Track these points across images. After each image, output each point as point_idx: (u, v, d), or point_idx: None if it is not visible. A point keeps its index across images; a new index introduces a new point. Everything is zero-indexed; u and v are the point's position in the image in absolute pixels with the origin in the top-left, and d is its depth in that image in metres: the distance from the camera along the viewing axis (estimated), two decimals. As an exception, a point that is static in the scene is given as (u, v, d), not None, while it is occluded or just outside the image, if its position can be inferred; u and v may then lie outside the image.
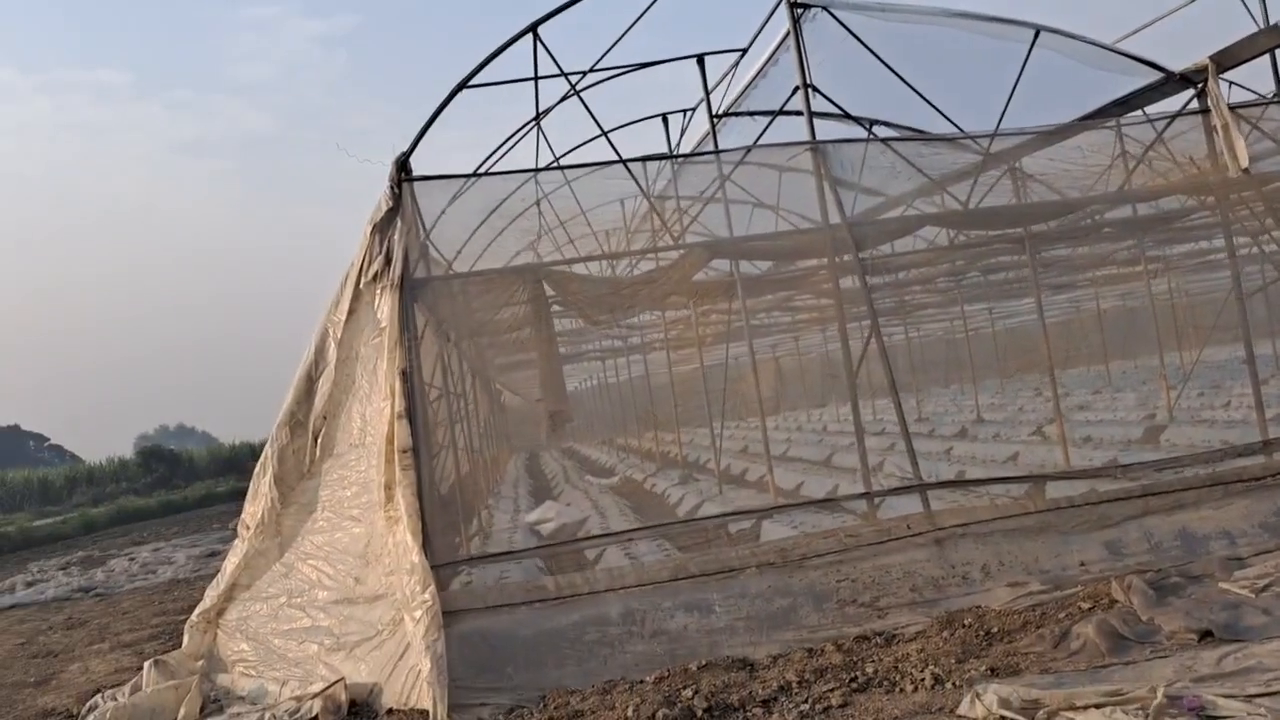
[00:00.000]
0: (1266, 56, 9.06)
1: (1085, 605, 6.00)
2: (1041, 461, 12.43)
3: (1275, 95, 9.65)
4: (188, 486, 39.02)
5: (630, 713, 5.20)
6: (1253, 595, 5.74)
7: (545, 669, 6.09)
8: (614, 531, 8.90)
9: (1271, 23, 8.04)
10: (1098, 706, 4.25)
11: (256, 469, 7.53)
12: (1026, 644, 5.54)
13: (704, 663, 5.92)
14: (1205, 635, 5.24)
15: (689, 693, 5.38)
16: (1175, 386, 15.48)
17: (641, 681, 5.79)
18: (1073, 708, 4.31)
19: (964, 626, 5.93)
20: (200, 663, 7.10)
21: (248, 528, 7.42)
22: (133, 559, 19.01)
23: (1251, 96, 9.74)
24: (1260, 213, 8.55)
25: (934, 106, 8.74)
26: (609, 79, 9.50)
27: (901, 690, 5.12)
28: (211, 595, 7.38)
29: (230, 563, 7.47)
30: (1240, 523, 7.08)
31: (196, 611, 7.38)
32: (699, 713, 5.11)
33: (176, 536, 23.38)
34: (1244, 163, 8.03)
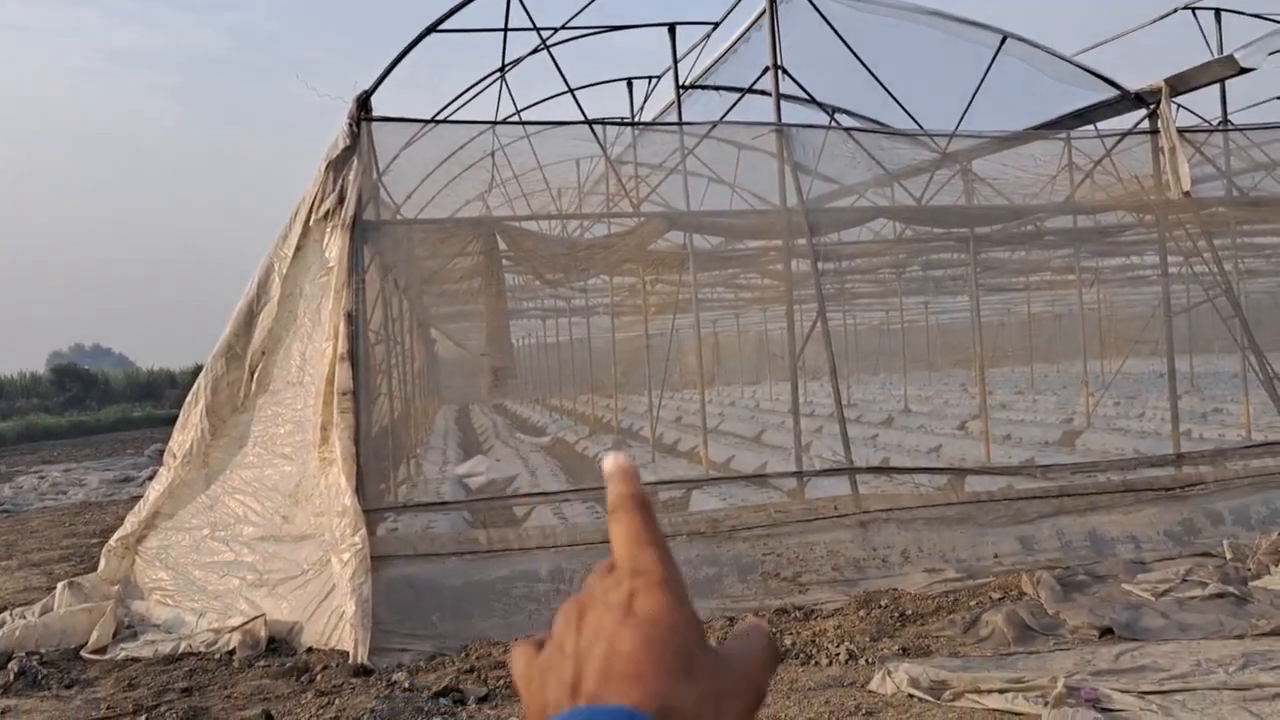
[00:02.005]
0: (1218, 85, 9.35)
1: (996, 595, 6.25)
2: (963, 455, 12.79)
3: (1221, 123, 9.99)
4: (101, 409, 38.00)
5: (553, 668, 5.29)
6: (1153, 598, 6.04)
7: (471, 619, 6.15)
8: (548, 491, 8.96)
9: (1226, 53, 8.31)
10: (1001, 691, 4.46)
11: (188, 398, 7.39)
12: (938, 628, 5.76)
13: (628, 624, 6.02)
14: (1106, 632, 5.51)
15: (611, 652, 5.49)
16: (1095, 394, 16.03)
17: (565, 638, 5.88)
18: (978, 691, 4.52)
19: (880, 607, 6.14)
20: (116, 588, 6.99)
21: (174, 456, 7.30)
22: (42, 477, 18.52)
23: (1198, 121, 10.07)
24: (1195, 235, 8.87)
25: (897, 101, 8.86)
26: (579, 37, 9.43)
27: (817, 663, 5.30)
28: (132, 521, 7.25)
29: (154, 490, 7.34)
30: (1147, 529, 7.42)
31: (115, 536, 7.25)
32: (620, 672, 5.22)
33: (89, 459, 22.80)
34: (1186, 186, 8.31)
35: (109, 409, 37.82)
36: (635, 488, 0.62)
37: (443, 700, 4.91)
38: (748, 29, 9.13)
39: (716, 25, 9.99)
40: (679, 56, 9.62)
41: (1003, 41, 8.44)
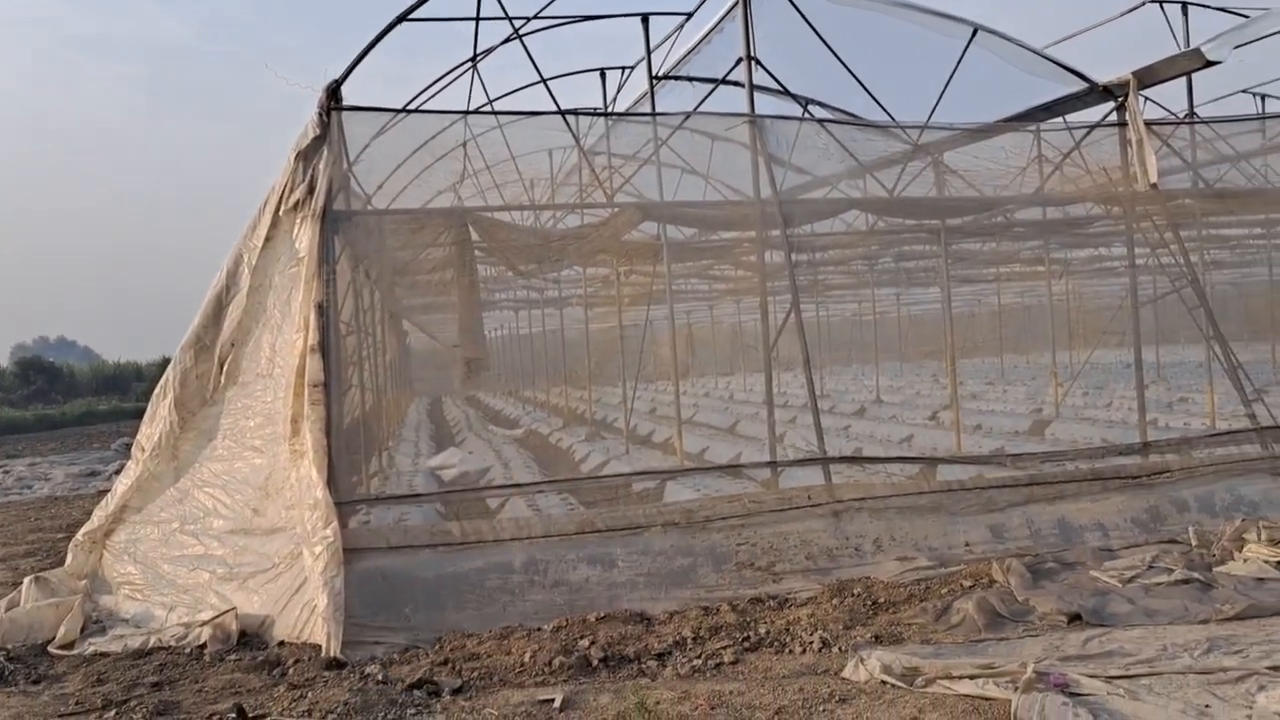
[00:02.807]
0: (1184, 78, 9.47)
1: (967, 583, 6.31)
2: (934, 445, 12.90)
3: (1187, 116, 10.12)
4: (67, 402, 37.49)
5: (527, 659, 5.29)
6: (1120, 585, 6.12)
7: (444, 612, 6.13)
8: (521, 482, 8.95)
9: (1192, 46, 8.40)
10: (972, 677, 4.50)
11: (156, 390, 7.31)
12: (910, 615, 5.81)
13: (603, 614, 6.04)
14: (1074, 618, 5.59)
15: (586, 642, 5.50)
16: (1064, 384, 16.22)
17: (540, 629, 5.88)
18: (949, 677, 4.56)
19: (853, 595, 6.18)
20: (84, 582, 6.90)
21: (143, 449, 7.21)
22: (6, 471, 18.26)
23: (1165, 114, 10.19)
24: (1162, 226, 8.98)
25: (869, 93, 8.90)
26: (552, 27, 9.38)
27: (791, 651, 5.33)
28: (100, 515, 7.17)
29: (121, 484, 7.26)
30: (1114, 516, 7.52)
31: (83, 531, 7.16)
32: (595, 662, 5.23)
33: (54, 453, 22.50)
34: (1153, 178, 8.42)
35: (74, 402, 37.32)
36: None
37: (417, 692, 4.89)
38: (721, 20, 9.13)
39: (690, 16, 9.98)
40: (652, 47, 9.61)
41: (974, 34, 8.49)
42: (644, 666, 5.20)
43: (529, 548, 6.52)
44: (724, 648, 5.38)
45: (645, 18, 9.38)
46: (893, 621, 5.72)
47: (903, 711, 4.25)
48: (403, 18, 7.49)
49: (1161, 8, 9.96)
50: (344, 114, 7.20)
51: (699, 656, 5.28)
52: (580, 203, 9.02)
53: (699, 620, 5.90)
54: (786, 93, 9.13)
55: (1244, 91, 11.99)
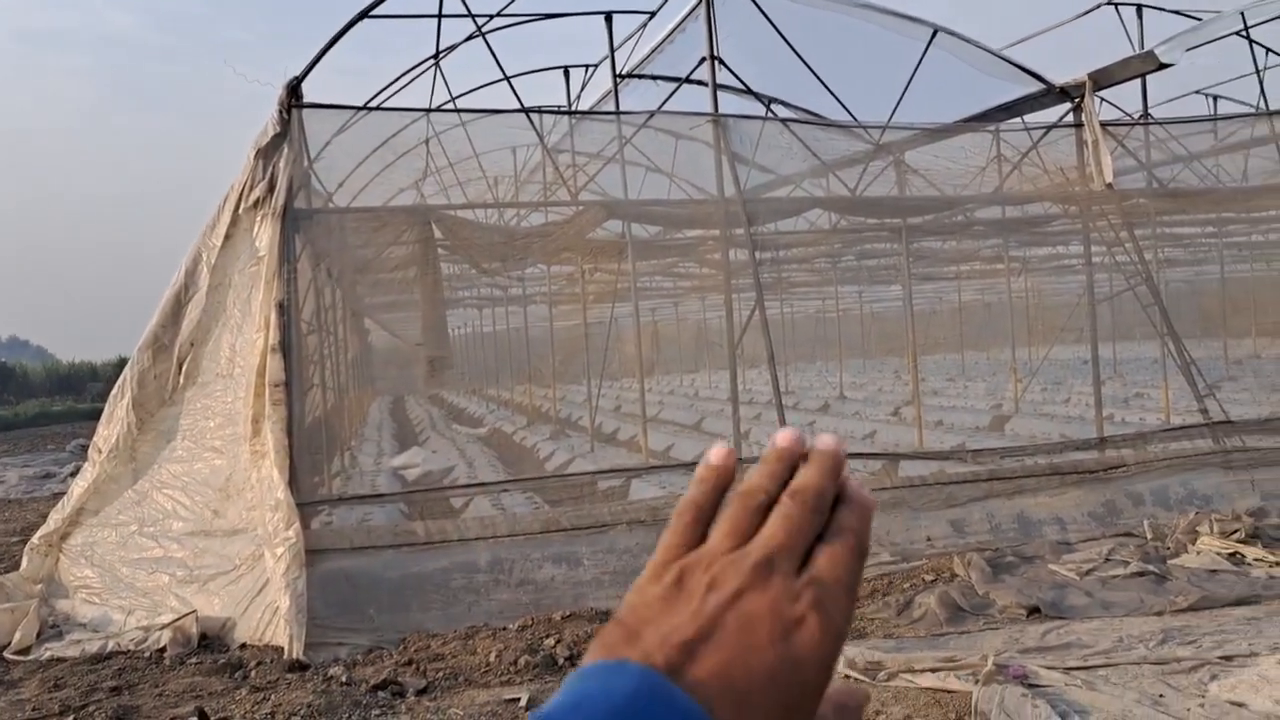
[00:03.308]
0: (1139, 80, 9.64)
1: (929, 578, 6.39)
2: (897, 441, 13.03)
3: (1142, 116, 10.30)
4: (20, 403, 36.70)
5: (492, 658, 5.28)
6: (1077, 578, 6.23)
7: (409, 612, 6.10)
8: (485, 481, 8.91)
9: (1146, 49, 8.56)
10: (934, 670, 4.57)
11: (114, 391, 7.20)
12: (873, 610, 5.88)
13: (568, 613, 6.04)
14: (1033, 611, 5.68)
15: (552, 641, 5.50)
16: (1023, 380, 16.44)
17: (505, 629, 5.87)
18: (911, 670, 4.62)
19: (817, 592, 6.23)
20: (39, 586, 6.79)
21: (100, 451, 7.10)
22: (-41, 476, 17.83)
23: (1120, 115, 10.37)
24: (1117, 225, 9.14)
25: (831, 93, 8.97)
26: (515, 24, 9.36)
27: (755, 648, 5.36)
28: (56, 518, 7.05)
29: (78, 486, 7.14)
30: (1072, 510, 7.65)
31: (38, 534, 7.04)
32: (561, 660, 5.23)
33: (7, 455, 22.02)
34: (1108, 177, 8.57)
35: (27, 403, 36.54)
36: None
37: (381, 693, 4.87)
38: (684, 19, 9.16)
39: (653, 14, 10.00)
40: (616, 45, 9.61)
41: (933, 35, 8.59)
42: (610, 664, 5.21)
43: (494, 547, 6.50)
44: (689, 644, 5.40)
45: (608, 16, 9.39)
46: (856, 616, 5.78)
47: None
48: (364, 14, 7.43)
49: (1117, 10, 10.15)
50: (305, 111, 7.14)
51: (664, 654, 5.29)
52: (545, 201, 9.00)
53: (664, 617, 5.91)
54: (750, 92, 9.18)
55: (1197, 93, 12.26)
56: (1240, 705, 3.99)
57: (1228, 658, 4.49)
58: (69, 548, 6.95)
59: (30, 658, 5.97)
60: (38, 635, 6.27)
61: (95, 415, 7.47)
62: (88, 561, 6.84)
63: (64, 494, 7.41)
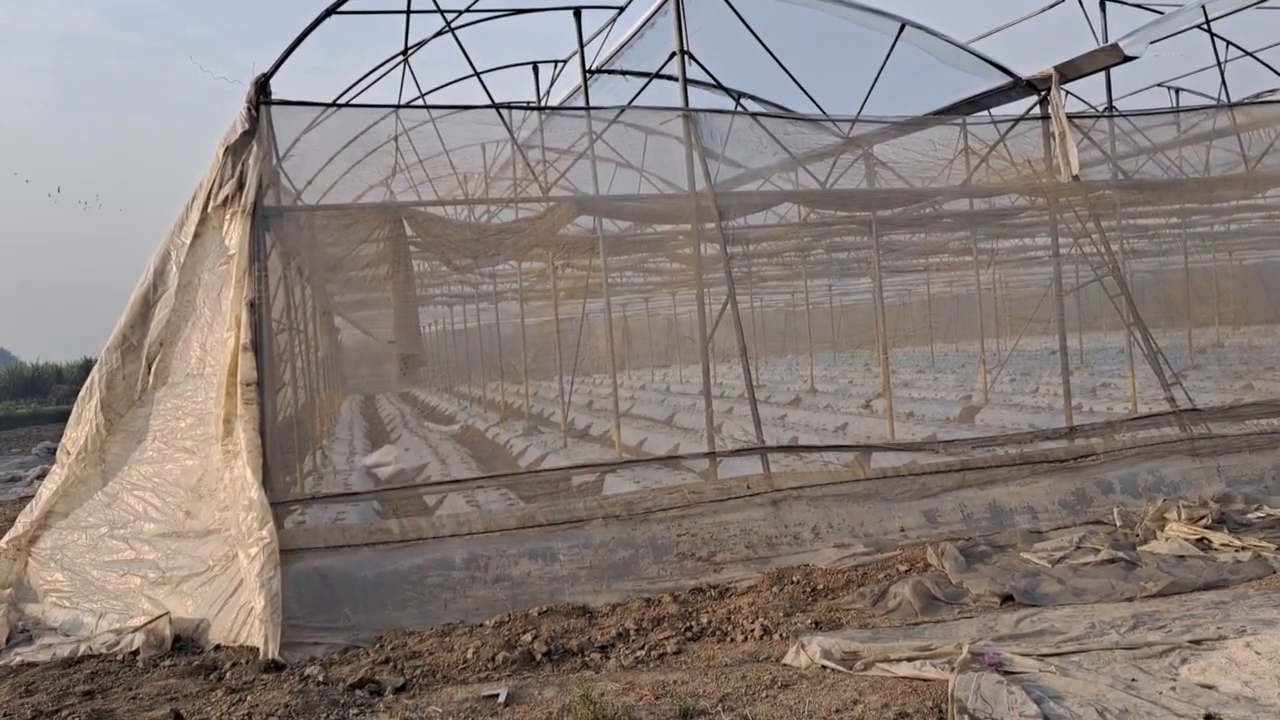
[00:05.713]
0: (1103, 73, 9.76)
1: (903, 568, 6.46)
2: (869, 433, 13.13)
3: (1106, 109, 10.43)
4: (-18, 406, 36.06)
5: (470, 655, 5.27)
6: (1049, 565, 6.32)
7: (385, 610, 6.08)
8: (459, 478, 8.88)
9: (1110, 42, 8.66)
10: (910, 660, 4.61)
11: (81, 393, 7.11)
12: (849, 601, 5.92)
13: (545, 608, 6.04)
14: (1007, 599, 5.75)
15: (529, 637, 5.50)
16: (992, 371, 16.62)
17: (481, 625, 5.87)
18: (888, 660, 4.66)
19: (793, 583, 6.28)
20: (8, 591, 6.69)
21: (68, 453, 7.01)
22: (-80, 481, 17.51)
23: (1085, 107, 10.50)
24: (1084, 217, 9.26)
25: (800, 87, 9.01)
26: (484, 20, 9.31)
27: (733, 640, 5.40)
28: (24, 522, 6.95)
29: (46, 489, 7.04)
30: (1043, 499, 7.75)
31: (6, 538, 6.93)
32: (538, 656, 5.23)
33: (-29, 459, 21.66)
34: (1075, 169, 8.67)
35: (-10, 406, 35.90)
36: None
37: (359, 692, 4.85)
38: (653, 14, 9.16)
39: (622, 10, 9.98)
40: (585, 41, 9.59)
41: (901, 29, 8.64)
42: (588, 659, 5.22)
43: (469, 544, 6.49)
44: (667, 638, 5.42)
45: (577, 11, 9.36)
46: (832, 607, 5.83)
47: (843, 695, 4.33)
48: (332, 10, 7.37)
49: (1081, 4, 10.25)
50: (274, 108, 7.07)
51: (642, 648, 5.31)
52: (515, 197, 8.97)
53: (641, 611, 5.94)
54: (719, 86, 9.20)
55: (1159, 85, 12.42)
56: (1210, 688, 4.07)
57: (1197, 641, 4.57)
58: (38, 551, 6.85)
59: (0, 663, 5.88)
60: (7, 640, 6.19)
61: (61, 418, 7.38)
62: (57, 565, 6.74)
63: (31, 497, 7.31)
